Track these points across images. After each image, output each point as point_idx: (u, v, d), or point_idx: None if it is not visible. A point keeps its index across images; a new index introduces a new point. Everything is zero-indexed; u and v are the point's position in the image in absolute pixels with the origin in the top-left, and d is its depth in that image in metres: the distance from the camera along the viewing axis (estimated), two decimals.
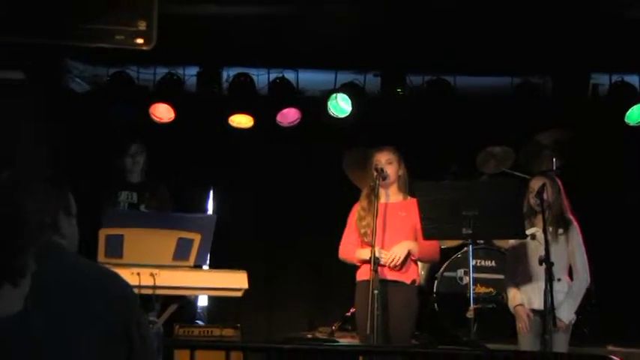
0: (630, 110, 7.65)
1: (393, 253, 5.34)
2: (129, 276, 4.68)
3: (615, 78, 7.80)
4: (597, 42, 6.91)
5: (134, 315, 2.27)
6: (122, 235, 5.11)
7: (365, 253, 5.36)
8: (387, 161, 5.50)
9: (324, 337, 7.09)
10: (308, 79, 8.07)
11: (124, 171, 6.50)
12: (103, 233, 5.07)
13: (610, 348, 6.70)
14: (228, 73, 7.99)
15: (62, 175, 2.39)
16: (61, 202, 2.35)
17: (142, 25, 5.13)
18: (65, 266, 2.25)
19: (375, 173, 5.44)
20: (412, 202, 5.43)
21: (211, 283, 5.30)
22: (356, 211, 5.62)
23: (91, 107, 7.90)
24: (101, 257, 5.04)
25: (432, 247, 5.55)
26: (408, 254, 5.40)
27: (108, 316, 2.20)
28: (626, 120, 7.68)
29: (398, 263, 5.34)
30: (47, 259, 2.17)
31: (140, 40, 5.15)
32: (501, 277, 6.40)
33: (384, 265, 5.31)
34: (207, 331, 6.61)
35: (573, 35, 6.81)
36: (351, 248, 5.56)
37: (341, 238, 5.70)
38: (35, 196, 2.23)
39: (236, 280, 5.20)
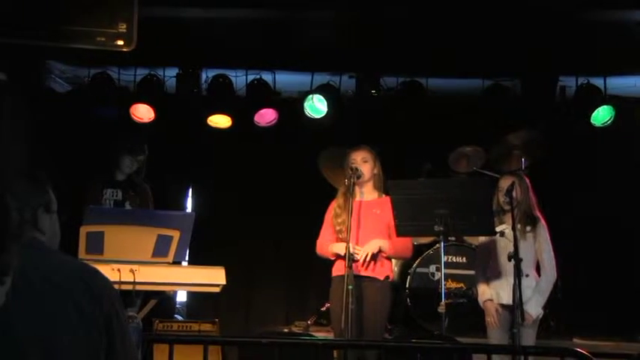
0: (596, 112, 7.73)
1: (365, 250, 5.43)
2: (109, 272, 4.74)
3: (582, 80, 7.90)
4: (565, 45, 7.03)
5: (114, 311, 2.24)
6: (102, 232, 5.14)
7: (339, 247, 5.46)
8: (362, 160, 5.59)
9: (300, 331, 7.19)
10: (285, 80, 8.13)
11: (112, 168, 6.49)
12: (83, 230, 5.09)
13: (576, 340, 6.86)
14: (207, 75, 8.06)
15: (42, 171, 2.36)
16: (41, 198, 2.31)
17: (123, 27, 5.19)
18: (45, 262, 2.21)
19: (350, 172, 5.53)
20: (386, 200, 5.52)
21: (190, 279, 5.36)
22: (332, 208, 5.69)
23: (72, 107, 7.96)
24: (82, 254, 5.06)
25: (405, 244, 5.63)
26: (379, 251, 5.48)
27: (88, 312, 2.17)
28: (591, 121, 7.77)
29: (368, 258, 5.42)
30: (27, 256, 2.13)
31: (121, 42, 5.22)
32: (472, 272, 6.45)
33: (357, 261, 5.40)
34: (186, 326, 6.63)
35: (541, 39, 6.91)
36: (327, 244, 5.63)
37: (317, 235, 5.77)
38: (15, 193, 2.14)
39: (214, 276, 5.26)
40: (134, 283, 4.95)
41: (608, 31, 6.79)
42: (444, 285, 5.53)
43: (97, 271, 2.30)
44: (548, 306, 5.77)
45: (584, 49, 7.09)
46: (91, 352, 2.18)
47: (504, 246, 5.53)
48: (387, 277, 5.56)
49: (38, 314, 2.13)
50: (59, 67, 7.91)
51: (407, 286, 7.12)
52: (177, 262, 5.46)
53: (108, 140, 6.73)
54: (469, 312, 6.70)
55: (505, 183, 5.63)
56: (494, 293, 5.61)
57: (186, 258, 6.21)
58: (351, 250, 5.30)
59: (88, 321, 2.18)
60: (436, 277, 7.02)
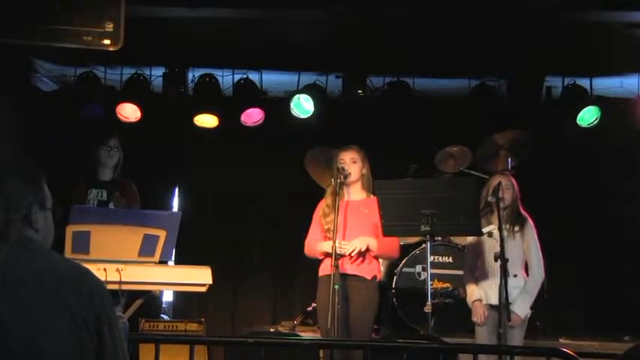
0: (582, 112, 7.74)
1: (353, 244, 5.42)
2: (95, 271, 4.64)
3: (568, 81, 7.93)
4: (551, 46, 7.04)
5: (105, 312, 2.28)
6: (88, 232, 5.12)
7: (327, 246, 5.44)
8: (351, 160, 5.59)
9: (286, 331, 7.19)
10: (271, 80, 8.12)
11: (95, 166, 6.44)
12: (69, 229, 5.07)
13: (562, 341, 6.90)
14: (193, 74, 8.04)
15: (36, 168, 2.37)
16: (35, 196, 2.33)
17: (110, 27, 5.17)
18: (37, 263, 2.24)
19: (337, 172, 5.54)
20: (374, 200, 5.53)
21: (176, 278, 5.34)
22: (321, 207, 5.70)
23: (59, 106, 7.93)
24: (68, 253, 5.03)
25: (392, 244, 5.63)
26: (367, 249, 5.48)
27: (79, 313, 2.20)
28: (578, 122, 7.77)
29: (354, 254, 5.42)
30: (19, 256, 2.22)
31: (107, 41, 5.20)
32: (458, 272, 6.52)
33: (344, 255, 5.39)
34: (172, 326, 6.64)
35: (528, 39, 6.93)
36: (315, 243, 5.63)
37: (303, 235, 5.77)
38: (8, 193, 2.26)
39: (200, 276, 5.26)
40: (120, 282, 4.94)
41: (594, 32, 6.82)
42: (431, 285, 5.54)
43: (88, 272, 2.34)
44: (535, 306, 5.78)
45: (571, 49, 7.12)
46: (82, 353, 2.21)
47: (492, 246, 5.55)
48: (375, 277, 5.57)
49: (29, 315, 2.16)
50: (46, 66, 7.87)
51: (393, 286, 7.11)
52: (163, 262, 5.45)
53: (91, 139, 6.71)
54: (455, 312, 6.70)
55: (492, 183, 5.66)
56: (482, 293, 5.64)
57: (173, 257, 6.19)
58: (338, 247, 5.30)
59: (79, 322, 2.20)
60: (422, 277, 6.99)
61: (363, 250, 5.46)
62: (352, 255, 5.43)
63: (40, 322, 2.16)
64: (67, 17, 5.17)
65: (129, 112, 7.87)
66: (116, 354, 2.30)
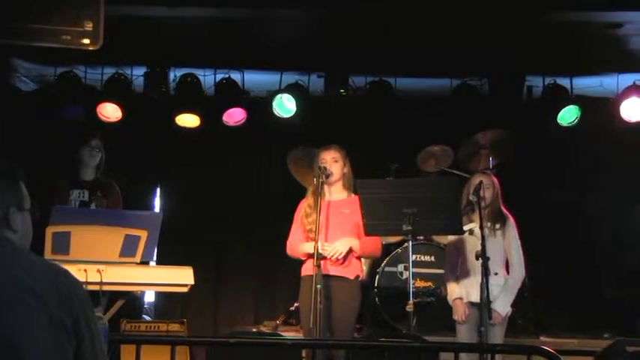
0: (562, 111, 7.79)
1: (335, 247, 5.44)
2: (75, 272, 4.62)
3: (548, 80, 7.96)
4: (531, 45, 7.09)
5: (83, 312, 2.25)
6: (69, 232, 5.10)
7: (309, 247, 5.44)
8: (332, 159, 5.59)
9: (269, 331, 7.19)
10: (254, 79, 8.10)
11: (77, 166, 6.40)
12: (49, 230, 5.04)
13: (542, 338, 6.93)
14: (175, 74, 8.02)
15: (14, 168, 2.35)
16: (13, 197, 2.31)
17: (89, 26, 5.12)
18: (15, 263, 2.22)
19: (319, 171, 5.54)
20: (355, 199, 5.53)
21: (158, 278, 5.33)
22: (302, 207, 5.70)
23: (38, 106, 7.89)
24: (48, 254, 5.01)
25: (374, 243, 5.64)
26: (350, 250, 5.49)
27: (57, 314, 2.18)
28: (558, 121, 7.82)
29: (339, 257, 5.44)
30: None
31: (86, 41, 5.15)
32: (440, 271, 6.52)
33: (326, 258, 5.40)
34: (154, 327, 6.62)
35: (508, 39, 6.97)
36: (297, 244, 5.64)
37: (285, 235, 5.76)
38: None
39: (182, 276, 5.24)
40: (101, 283, 4.91)
41: (574, 32, 6.86)
42: (413, 284, 5.54)
43: (67, 273, 2.30)
44: (516, 304, 5.80)
45: (551, 49, 7.15)
46: (60, 354, 2.18)
47: (473, 244, 5.56)
48: (357, 277, 5.58)
49: (6, 316, 2.13)
50: (25, 65, 7.82)
51: (375, 285, 7.12)
52: (144, 262, 5.42)
53: (72, 139, 6.67)
54: (437, 311, 6.70)
55: (473, 182, 5.68)
56: (463, 291, 5.66)
57: (154, 258, 6.17)
58: (320, 249, 5.30)
59: (57, 323, 2.18)
60: (404, 276, 7.01)
61: (345, 253, 5.47)
62: (335, 257, 5.44)
63: (17, 323, 2.14)
64: (45, 16, 5.12)
65: (110, 111, 7.85)
66: (95, 355, 2.28)
